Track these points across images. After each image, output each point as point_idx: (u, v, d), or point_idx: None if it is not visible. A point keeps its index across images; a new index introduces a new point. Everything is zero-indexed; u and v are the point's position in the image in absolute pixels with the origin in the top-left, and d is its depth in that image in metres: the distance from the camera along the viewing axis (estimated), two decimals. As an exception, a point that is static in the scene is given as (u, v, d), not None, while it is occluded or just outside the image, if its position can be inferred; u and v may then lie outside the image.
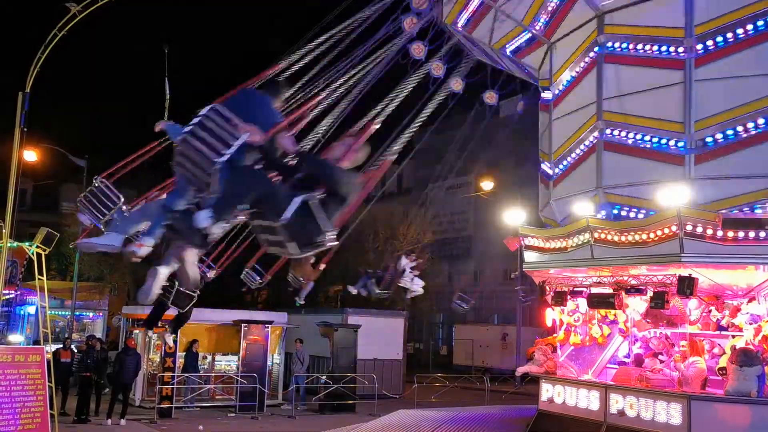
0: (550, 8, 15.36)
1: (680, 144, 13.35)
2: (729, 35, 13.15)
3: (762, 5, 12.79)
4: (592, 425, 13.30)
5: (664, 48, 13.91)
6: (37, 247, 15.72)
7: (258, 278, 13.35)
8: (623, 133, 14.23)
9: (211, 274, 12.57)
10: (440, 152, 19.02)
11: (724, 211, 12.32)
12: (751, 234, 11.66)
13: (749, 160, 12.70)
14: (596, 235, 13.24)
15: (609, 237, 13.11)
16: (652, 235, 12.30)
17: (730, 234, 11.70)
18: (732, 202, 12.78)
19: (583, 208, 13.63)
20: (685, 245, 11.85)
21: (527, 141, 19.27)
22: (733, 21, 13.05)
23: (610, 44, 14.77)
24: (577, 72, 15.58)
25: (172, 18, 72.80)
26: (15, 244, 18.18)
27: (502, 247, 20.01)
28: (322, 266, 11.63)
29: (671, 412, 11.99)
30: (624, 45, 14.57)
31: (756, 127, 12.77)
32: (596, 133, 14.46)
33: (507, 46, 16.47)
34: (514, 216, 17.48)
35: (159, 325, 11.92)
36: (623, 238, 12.92)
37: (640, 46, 14.31)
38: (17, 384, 14.59)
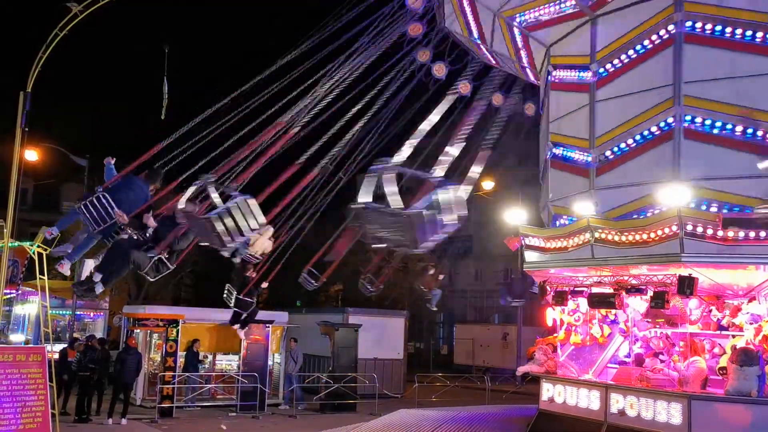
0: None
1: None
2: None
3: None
4: (593, 425, 13.30)
5: (751, 33, 13.15)
6: (38, 246, 15.73)
7: (314, 281, 14.43)
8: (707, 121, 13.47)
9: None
10: (440, 151, 18.97)
11: (723, 212, 12.33)
12: (752, 234, 11.65)
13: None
14: (597, 234, 13.24)
15: (609, 237, 13.11)
16: (652, 235, 12.30)
17: (731, 234, 11.69)
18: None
19: (667, 197, 12.62)
20: (685, 245, 11.85)
21: (528, 140, 19.25)
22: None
23: (689, 23, 13.71)
24: (636, 51, 14.47)
25: (172, 18, 72.85)
26: (16, 243, 18.21)
27: (503, 247, 20.00)
28: (441, 276, 12.53)
29: (672, 412, 12.00)
30: (707, 26, 13.54)
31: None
32: (671, 119, 13.56)
33: (520, 16, 15.92)
34: (514, 215, 17.45)
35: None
36: (624, 238, 12.92)
37: (728, 30, 13.33)
38: (18, 383, 14.61)
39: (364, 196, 7.77)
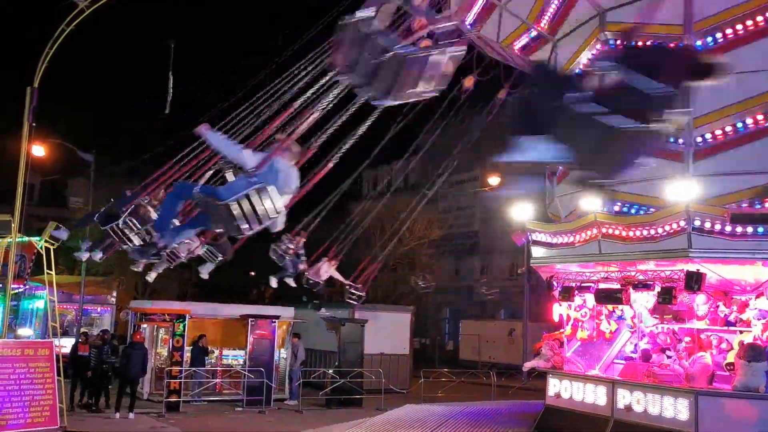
0: (553, 6, 15.22)
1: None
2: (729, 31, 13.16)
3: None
4: (600, 420, 13.29)
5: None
6: (46, 241, 15.80)
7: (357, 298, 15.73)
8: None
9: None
10: (447, 147, 19.00)
11: (733, 205, 12.27)
12: (760, 229, 11.61)
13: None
14: (604, 230, 13.21)
15: (617, 232, 13.08)
16: (660, 231, 12.27)
17: (739, 229, 11.65)
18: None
19: (674, 192, 12.51)
20: (693, 240, 11.81)
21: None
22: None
23: (612, 41, 14.58)
24: (580, 69, 15.01)
25: (178, 14, 72.83)
26: (24, 238, 18.29)
27: (509, 243, 19.99)
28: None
29: (678, 408, 11.97)
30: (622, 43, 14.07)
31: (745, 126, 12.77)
32: None
33: (515, 43, 16.35)
34: (521, 211, 17.44)
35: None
36: (631, 234, 12.89)
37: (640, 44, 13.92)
38: (26, 378, 14.70)
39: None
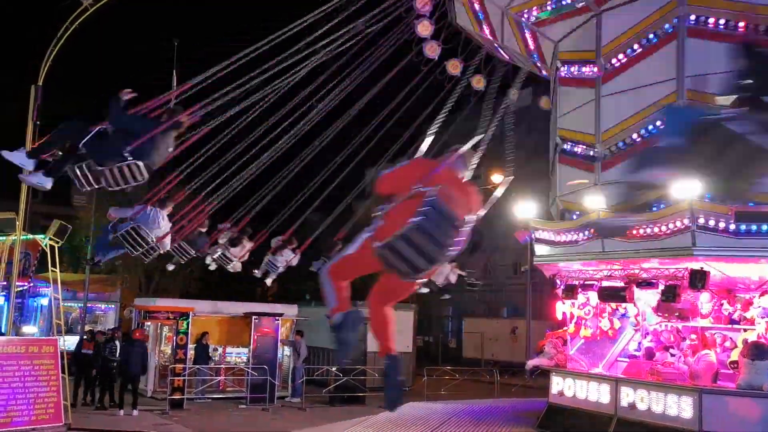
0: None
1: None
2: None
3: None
4: (603, 418, 13.29)
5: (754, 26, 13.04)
6: (50, 239, 15.85)
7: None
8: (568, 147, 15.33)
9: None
10: (450, 145, 18.97)
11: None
12: (765, 227, 11.58)
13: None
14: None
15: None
16: (663, 228, 12.25)
17: (743, 227, 11.63)
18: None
19: (679, 190, 12.32)
20: (697, 238, 11.79)
21: (537, 133, 19.18)
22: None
23: (693, 17, 13.61)
24: (642, 45, 14.38)
25: (181, 12, 72.86)
26: (29, 236, 18.32)
27: (512, 241, 19.93)
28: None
29: (682, 406, 11.96)
30: (710, 19, 13.42)
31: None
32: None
33: (527, 12, 15.96)
34: (524, 209, 17.37)
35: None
36: (634, 232, 12.87)
37: (729, 22, 13.22)
38: (31, 375, 14.75)
39: None
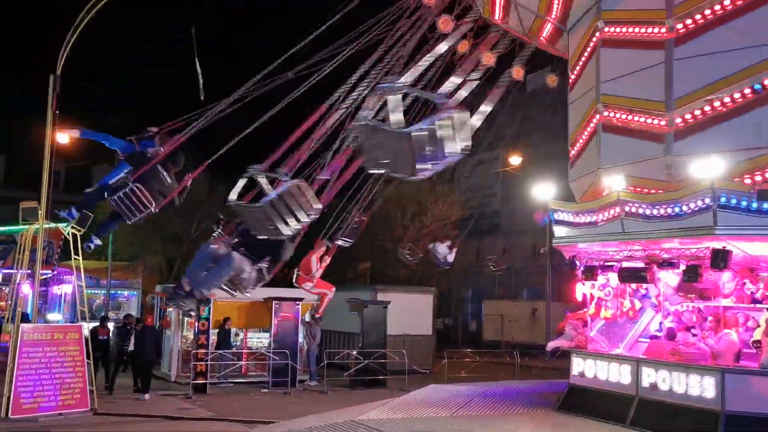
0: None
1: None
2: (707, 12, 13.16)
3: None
4: (624, 399, 13.25)
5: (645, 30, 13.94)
6: (72, 227, 16.02)
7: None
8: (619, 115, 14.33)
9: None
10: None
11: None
12: (788, 205, 11.42)
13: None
14: (627, 208, 13.08)
15: (641, 210, 12.95)
16: (685, 208, 12.12)
17: (765, 205, 11.48)
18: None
19: (701, 169, 12.28)
20: (719, 217, 11.66)
21: (557, 115, 19.03)
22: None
23: (607, 29, 14.66)
24: (584, 58, 15.59)
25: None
26: (51, 225, 18.55)
27: (531, 223, 19.90)
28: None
29: (704, 386, 11.89)
30: (616, 29, 14.54)
31: (732, 101, 12.70)
32: (597, 116, 14.33)
33: (540, 35, 16.54)
34: (543, 190, 17.32)
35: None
36: (655, 212, 12.75)
37: (629, 29, 14.29)
38: (56, 361, 15.02)
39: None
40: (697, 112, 13.11)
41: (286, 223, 6.99)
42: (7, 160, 48.74)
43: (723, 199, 11.66)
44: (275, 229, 7.14)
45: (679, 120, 13.32)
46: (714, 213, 11.67)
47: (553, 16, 16.14)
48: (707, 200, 11.76)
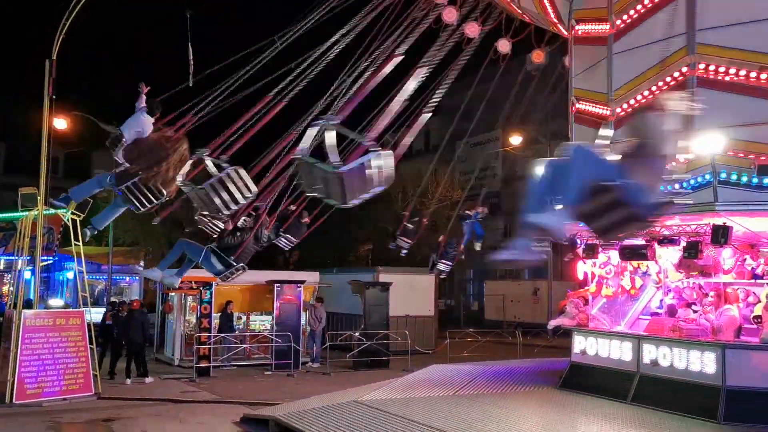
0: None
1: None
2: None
3: None
4: (626, 376, 13.31)
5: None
6: (72, 213, 16.02)
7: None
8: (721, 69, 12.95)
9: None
10: (466, 108, 18.80)
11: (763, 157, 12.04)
12: (788, 180, 11.38)
13: None
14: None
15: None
16: (685, 184, 12.09)
17: (766, 180, 11.45)
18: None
19: (701, 145, 11.86)
20: (719, 193, 11.64)
21: (554, 94, 18.92)
22: None
23: (576, 26, 15.10)
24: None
25: (193, -19, 72.20)
26: (51, 211, 18.55)
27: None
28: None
29: (705, 361, 11.93)
30: (580, 26, 15.11)
31: (659, 89, 13.16)
32: (685, 69, 13.15)
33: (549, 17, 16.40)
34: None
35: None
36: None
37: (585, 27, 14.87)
38: (59, 346, 15.09)
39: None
40: (632, 102, 13.88)
41: (225, 203, 8.26)
42: (7, 147, 48.68)
43: (723, 175, 11.63)
44: (215, 207, 8.43)
45: (619, 110, 14.15)
46: (714, 189, 11.64)
47: (552, 17, 16.44)
48: (707, 176, 11.73)
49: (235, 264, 11.17)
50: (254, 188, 8.69)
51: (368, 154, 8.52)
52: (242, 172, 8.51)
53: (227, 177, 8.37)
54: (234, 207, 8.58)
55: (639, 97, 13.83)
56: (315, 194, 8.93)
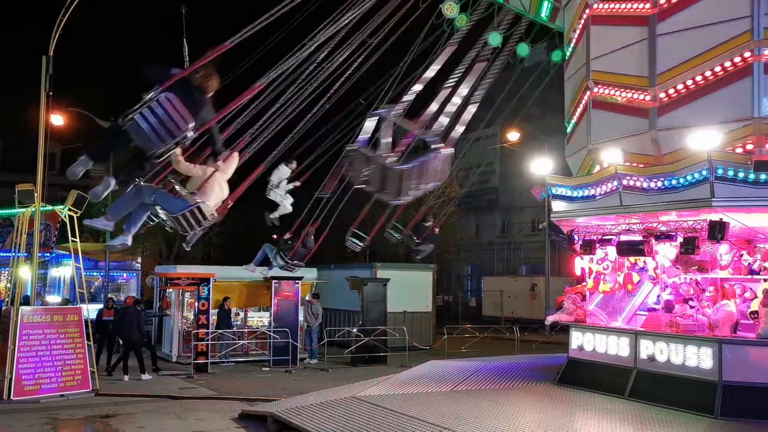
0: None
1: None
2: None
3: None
4: (623, 371, 13.33)
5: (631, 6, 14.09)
6: (69, 209, 16.01)
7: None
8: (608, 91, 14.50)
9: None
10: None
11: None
12: (785, 176, 11.39)
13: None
14: (625, 182, 13.07)
15: (638, 184, 12.94)
16: (682, 180, 12.11)
17: (762, 176, 11.46)
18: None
19: (697, 141, 12.07)
20: (716, 189, 11.65)
21: (553, 90, 18.92)
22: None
23: (596, 5, 14.75)
24: (576, 34, 15.74)
25: (190, -23, 72.05)
26: (47, 207, 18.52)
27: (529, 198, 19.84)
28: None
29: (702, 356, 11.96)
30: (605, 5, 14.69)
31: (714, 74, 12.80)
32: (747, 53, 12.75)
33: (541, 11, 16.59)
34: (541, 165, 17.23)
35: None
36: (653, 185, 12.74)
37: (616, 6, 14.40)
38: (57, 343, 15.08)
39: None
40: (680, 87, 13.25)
41: (186, 228, 7.90)
42: (4, 144, 48.60)
43: (720, 171, 11.64)
44: (181, 228, 8.03)
45: (663, 95, 13.48)
46: (711, 185, 11.65)
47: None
48: (704, 172, 11.74)
49: (289, 262, 14.14)
50: (212, 218, 8.20)
51: (431, 151, 8.38)
52: (204, 206, 8.16)
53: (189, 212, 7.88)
54: (196, 230, 8.27)
55: (690, 83, 13.20)
56: (365, 187, 8.70)
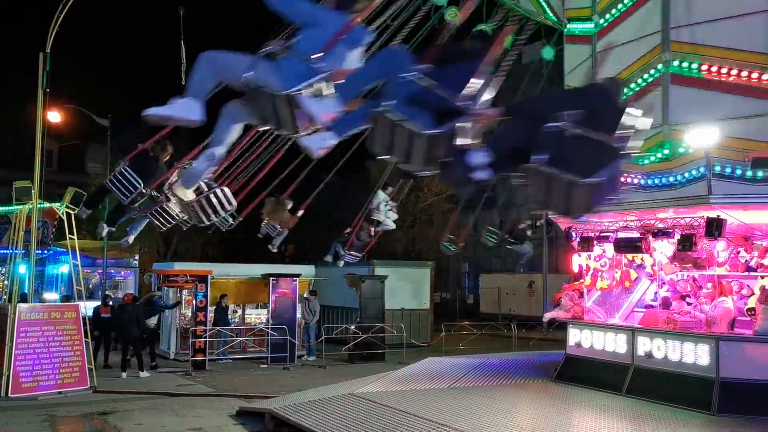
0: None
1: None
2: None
3: None
4: (620, 368, 13.36)
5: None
6: (67, 207, 15.99)
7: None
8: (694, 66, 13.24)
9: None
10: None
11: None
12: (782, 173, 11.42)
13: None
14: (622, 179, 13.06)
15: (636, 180, 12.96)
16: (679, 177, 12.14)
17: (760, 173, 11.49)
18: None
19: (695, 138, 12.06)
20: (713, 186, 11.68)
21: (552, 86, 18.94)
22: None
23: None
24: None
25: (188, -27, 71.88)
26: (45, 204, 18.50)
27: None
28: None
29: (699, 353, 11.99)
30: None
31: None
32: (660, 66, 13.35)
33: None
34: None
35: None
36: (650, 181, 12.76)
37: None
38: (55, 340, 15.08)
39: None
40: None
41: (207, 215, 8.59)
42: (1, 141, 48.53)
43: (717, 168, 11.66)
44: (198, 218, 8.75)
45: None
46: (708, 182, 11.67)
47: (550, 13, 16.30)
48: (701, 169, 11.76)
49: (347, 253, 14.91)
50: (234, 203, 9.04)
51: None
52: (227, 190, 8.92)
53: (213, 194, 8.70)
54: (214, 219, 8.94)
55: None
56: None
